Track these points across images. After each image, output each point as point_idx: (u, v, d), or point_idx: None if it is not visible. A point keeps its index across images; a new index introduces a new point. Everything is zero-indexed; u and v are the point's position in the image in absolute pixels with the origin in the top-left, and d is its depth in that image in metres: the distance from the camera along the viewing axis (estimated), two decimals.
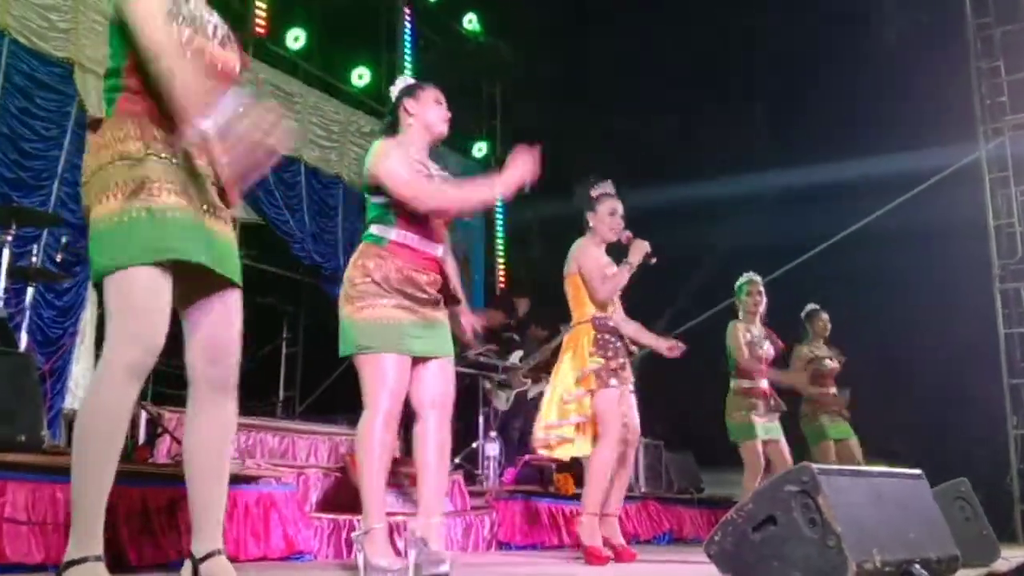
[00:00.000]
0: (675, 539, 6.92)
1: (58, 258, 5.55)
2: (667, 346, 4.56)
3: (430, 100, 3.31)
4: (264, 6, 7.95)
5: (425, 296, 3.14)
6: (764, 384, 5.62)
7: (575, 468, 5.70)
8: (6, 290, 4.66)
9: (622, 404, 4.27)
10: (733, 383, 5.63)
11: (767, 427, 5.52)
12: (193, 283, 2.25)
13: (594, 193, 4.48)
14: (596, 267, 4.33)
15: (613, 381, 4.20)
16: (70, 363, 5.86)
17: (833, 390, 6.32)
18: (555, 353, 4.66)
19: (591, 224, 4.45)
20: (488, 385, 7.14)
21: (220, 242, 2.30)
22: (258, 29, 7.93)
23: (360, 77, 9.32)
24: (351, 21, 9.26)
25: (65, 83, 6.13)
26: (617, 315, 4.45)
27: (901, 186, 7.88)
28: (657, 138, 9.92)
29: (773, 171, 8.66)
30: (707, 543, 2.68)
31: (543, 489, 5.99)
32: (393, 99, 3.39)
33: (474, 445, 6.82)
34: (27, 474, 2.93)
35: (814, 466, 2.54)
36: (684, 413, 8.94)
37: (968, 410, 7.82)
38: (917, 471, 3.12)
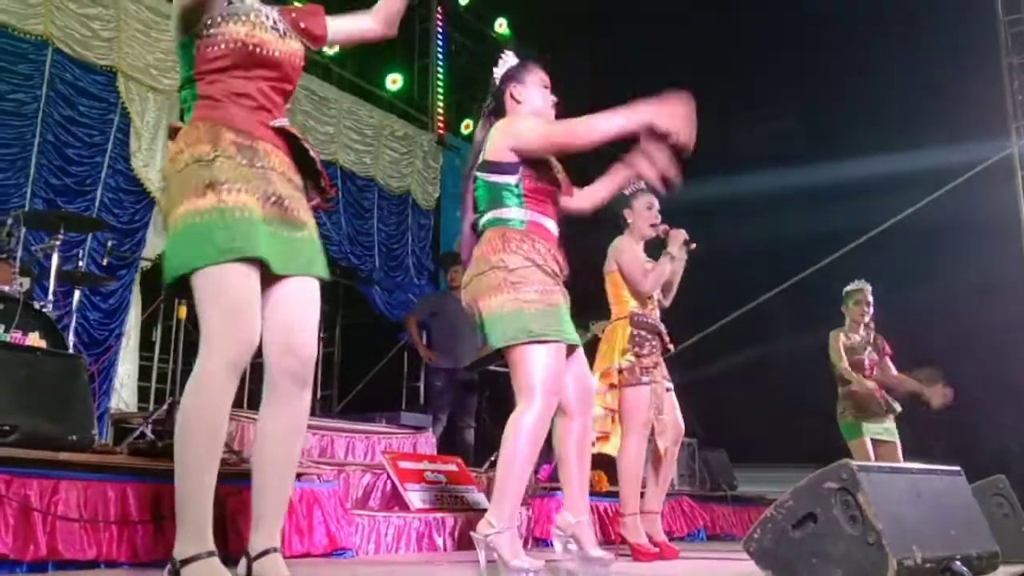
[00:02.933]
0: (709, 536, 6.93)
1: (104, 262, 5.64)
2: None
3: (537, 84, 3.07)
4: None
5: (563, 280, 2.94)
6: (871, 387, 5.62)
7: (607, 465, 5.72)
8: (54, 293, 4.75)
9: (656, 401, 4.21)
10: (841, 387, 5.67)
11: (874, 427, 5.55)
12: (268, 276, 2.23)
13: (628, 190, 4.44)
14: (636, 262, 4.31)
15: (645, 378, 4.17)
16: (115, 364, 5.94)
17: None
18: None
19: (629, 221, 4.44)
20: None
21: (290, 237, 2.28)
22: None
23: (394, 82, 9.47)
24: None
25: (108, 91, 6.25)
26: (657, 312, 4.42)
27: (935, 182, 7.83)
28: None
29: (808, 168, 8.63)
30: (746, 540, 2.63)
31: None
32: (496, 82, 3.12)
33: None
34: (79, 473, 2.97)
35: (853, 463, 2.51)
36: (717, 412, 8.93)
37: (1005, 406, 7.75)
38: (956, 468, 3.09)
